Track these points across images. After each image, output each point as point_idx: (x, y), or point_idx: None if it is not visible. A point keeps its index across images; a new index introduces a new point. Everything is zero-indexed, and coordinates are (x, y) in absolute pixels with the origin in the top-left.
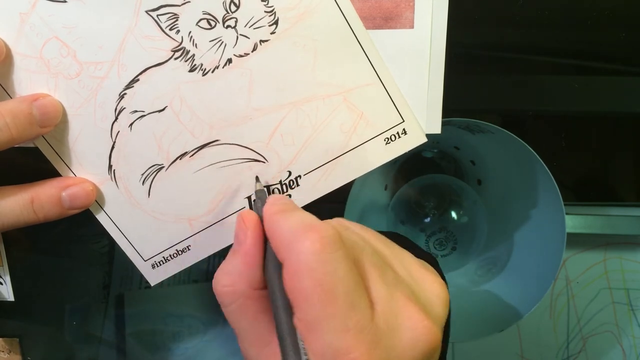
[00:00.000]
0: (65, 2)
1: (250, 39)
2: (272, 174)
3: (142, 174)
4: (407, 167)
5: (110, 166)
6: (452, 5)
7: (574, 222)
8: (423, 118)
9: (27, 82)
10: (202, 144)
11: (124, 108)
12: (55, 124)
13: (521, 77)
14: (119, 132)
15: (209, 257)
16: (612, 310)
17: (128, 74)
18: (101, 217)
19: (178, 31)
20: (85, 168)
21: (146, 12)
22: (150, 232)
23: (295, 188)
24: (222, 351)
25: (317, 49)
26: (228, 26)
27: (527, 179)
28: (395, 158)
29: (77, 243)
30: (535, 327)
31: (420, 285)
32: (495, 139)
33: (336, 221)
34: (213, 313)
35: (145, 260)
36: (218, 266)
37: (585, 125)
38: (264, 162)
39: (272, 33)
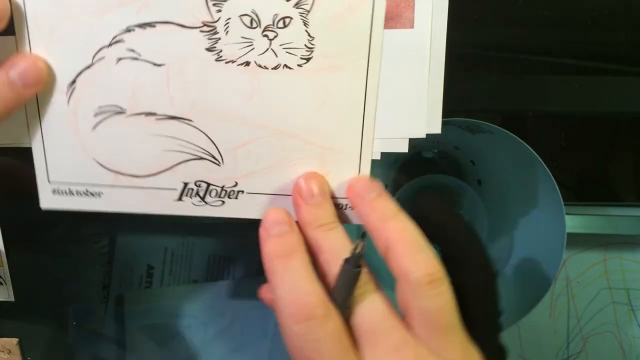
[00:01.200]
0: None
1: (278, 58)
2: (219, 177)
3: (100, 107)
4: (407, 167)
5: (73, 82)
6: (452, 5)
7: (574, 222)
8: (423, 118)
9: None
10: (174, 115)
11: (123, 41)
12: (42, 84)
13: (521, 77)
14: (103, 57)
15: (209, 257)
16: (612, 310)
17: (148, 15)
18: (32, 121)
19: (219, 10)
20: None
21: None
22: (72, 160)
23: (232, 199)
24: (222, 351)
25: (326, 101)
26: (265, 35)
27: (527, 179)
28: (396, 158)
29: (77, 243)
30: (536, 327)
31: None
32: (495, 139)
33: None
34: (213, 313)
35: (49, 182)
36: (218, 266)
37: (586, 125)
38: (218, 164)
39: (299, 65)
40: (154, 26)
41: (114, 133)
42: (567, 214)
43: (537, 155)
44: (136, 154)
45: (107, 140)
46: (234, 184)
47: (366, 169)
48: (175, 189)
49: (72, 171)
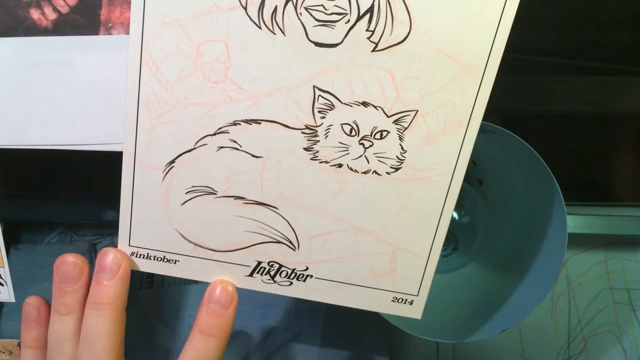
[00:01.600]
0: (260, 28)
1: (369, 165)
2: (292, 260)
3: (194, 187)
4: None
5: (172, 161)
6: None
7: (575, 223)
8: None
9: (167, 52)
10: (262, 201)
11: (227, 132)
12: (84, 281)
13: (521, 77)
14: (205, 144)
15: None
16: (613, 311)
17: (256, 114)
18: (125, 188)
19: (323, 117)
20: (149, 148)
21: (314, 86)
22: (155, 229)
23: (300, 282)
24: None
25: (405, 207)
26: (362, 144)
27: (528, 179)
28: None
29: (77, 243)
30: (536, 327)
31: None
32: (496, 139)
33: None
34: None
35: (129, 245)
36: None
37: (587, 125)
38: (294, 249)
39: (388, 173)
40: (260, 123)
41: (201, 210)
42: (568, 214)
43: (538, 155)
44: (218, 231)
45: (193, 216)
46: (305, 268)
47: (431, 270)
48: (248, 266)
49: (153, 239)
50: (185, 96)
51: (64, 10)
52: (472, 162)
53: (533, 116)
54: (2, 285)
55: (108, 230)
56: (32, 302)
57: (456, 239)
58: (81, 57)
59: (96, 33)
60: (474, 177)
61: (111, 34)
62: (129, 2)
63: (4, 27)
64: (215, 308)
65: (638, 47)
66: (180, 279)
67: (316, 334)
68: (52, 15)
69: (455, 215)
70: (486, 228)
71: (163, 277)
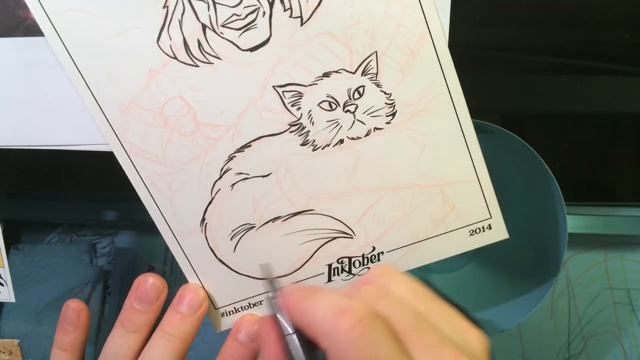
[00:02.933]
0: (198, 66)
1: (366, 125)
2: (356, 247)
3: (233, 231)
4: None
5: (203, 219)
6: (453, 6)
7: (575, 223)
8: None
9: (141, 133)
10: (296, 211)
11: (230, 169)
12: (159, 303)
13: (521, 77)
14: (219, 190)
15: None
16: (613, 311)
17: (242, 139)
18: (184, 265)
19: (299, 108)
20: (178, 217)
21: (273, 87)
22: (228, 284)
23: (375, 263)
24: None
25: (426, 143)
26: (347, 111)
27: (529, 179)
28: None
29: (77, 243)
30: (537, 327)
31: (467, 340)
32: (496, 138)
33: (372, 290)
34: None
35: (216, 309)
36: None
37: (587, 125)
38: (351, 237)
39: (387, 123)
40: (250, 145)
41: (252, 247)
42: (568, 214)
43: (538, 155)
44: (277, 257)
45: (248, 255)
46: (372, 248)
47: (489, 189)
48: (322, 273)
49: (230, 292)
50: (178, 159)
51: None
52: None
53: (533, 116)
54: (2, 285)
55: (108, 230)
56: (73, 307)
57: None
58: None
59: None
60: None
61: None
62: None
63: (4, 27)
64: (184, 310)
65: (638, 47)
66: (180, 279)
67: None
68: None
69: None
70: None
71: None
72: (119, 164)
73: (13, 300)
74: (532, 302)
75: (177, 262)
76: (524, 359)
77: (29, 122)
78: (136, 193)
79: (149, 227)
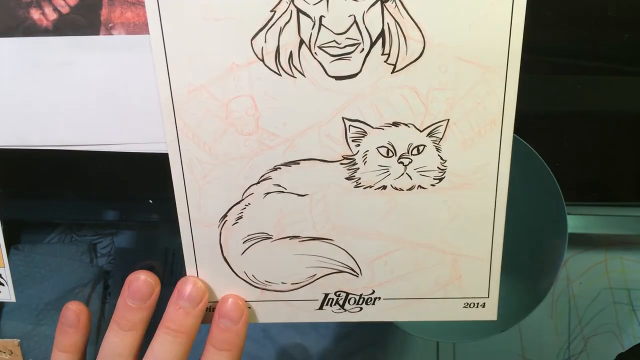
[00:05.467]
0: (280, 75)
1: (412, 181)
2: (357, 286)
3: (249, 235)
4: None
5: (224, 216)
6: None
7: (575, 222)
8: None
9: (199, 117)
10: (317, 236)
11: (270, 178)
12: (153, 300)
13: (521, 77)
14: (252, 194)
15: None
16: (614, 311)
17: (294, 155)
18: (187, 254)
19: (358, 145)
20: (201, 207)
21: (343, 118)
22: (222, 282)
23: (369, 305)
24: None
25: (459, 214)
26: (401, 162)
27: (529, 179)
28: None
29: (77, 243)
30: (537, 327)
31: None
32: None
33: None
34: None
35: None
36: None
37: (587, 125)
38: (357, 275)
39: (432, 185)
40: (299, 163)
41: (261, 256)
42: (568, 214)
43: (538, 155)
44: (281, 272)
45: (255, 263)
46: (372, 292)
47: (497, 270)
48: (316, 300)
49: (221, 291)
50: (224, 153)
51: (65, 10)
52: None
53: (533, 116)
54: (2, 285)
55: (108, 230)
56: (73, 308)
57: None
58: (81, 57)
59: (96, 33)
60: None
61: (111, 34)
62: (130, 2)
63: (4, 27)
64: (226, 323)
65: (638, 47)
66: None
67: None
68: (52, 16)
69: None
70: None
71: (163, 277)
72: (119, 164)
73: (13, 300)
74: (532, 302)
75: (177, 263)
76: (524, 359)
77: (29, 122)
78: (136, 193)
79: (149, 227)
